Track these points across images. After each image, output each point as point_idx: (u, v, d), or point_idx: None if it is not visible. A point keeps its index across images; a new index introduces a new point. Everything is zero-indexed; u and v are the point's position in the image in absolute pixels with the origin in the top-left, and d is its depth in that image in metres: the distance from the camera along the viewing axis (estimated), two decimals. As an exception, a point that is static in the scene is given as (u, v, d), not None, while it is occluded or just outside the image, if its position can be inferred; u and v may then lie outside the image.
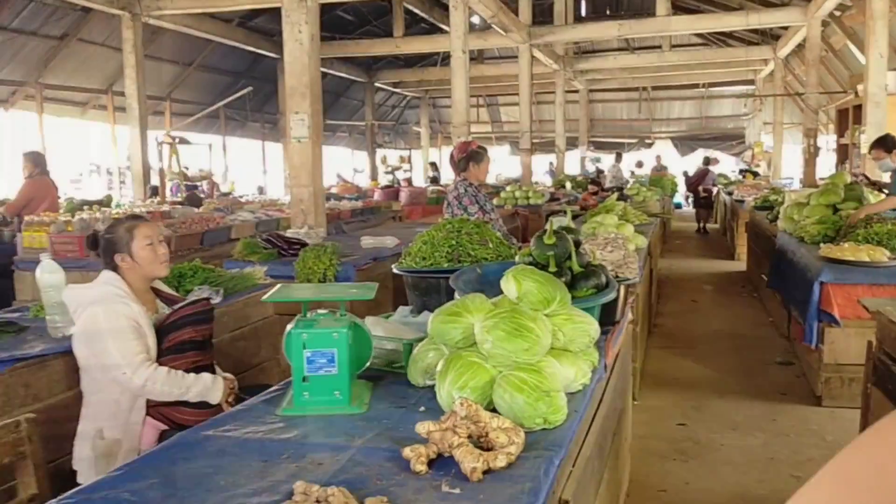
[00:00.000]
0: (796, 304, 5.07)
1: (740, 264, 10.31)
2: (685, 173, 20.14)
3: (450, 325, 1.97)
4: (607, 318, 2.73)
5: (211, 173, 11.91)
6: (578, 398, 1.96)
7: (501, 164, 28.84)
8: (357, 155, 25.14)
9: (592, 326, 2.08)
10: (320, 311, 2.03)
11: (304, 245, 5.35)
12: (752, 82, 21.80)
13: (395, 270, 3.13)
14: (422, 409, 1.90)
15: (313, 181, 6.35)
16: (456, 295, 2.36)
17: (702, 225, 16.72)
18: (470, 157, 5.03)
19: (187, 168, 11.34)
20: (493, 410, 1.76)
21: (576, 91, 22.97)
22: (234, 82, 17.65)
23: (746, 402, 4.54)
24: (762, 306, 7.45)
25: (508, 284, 2.04)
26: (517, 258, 2.51)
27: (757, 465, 3.61)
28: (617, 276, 2.82)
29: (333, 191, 13.24)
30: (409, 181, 15.73)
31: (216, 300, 3.49)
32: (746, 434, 4.01)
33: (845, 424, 4.09)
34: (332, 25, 17.14)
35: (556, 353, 1.98)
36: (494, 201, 12.41)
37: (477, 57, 22.24)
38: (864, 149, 9.40)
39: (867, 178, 6.38)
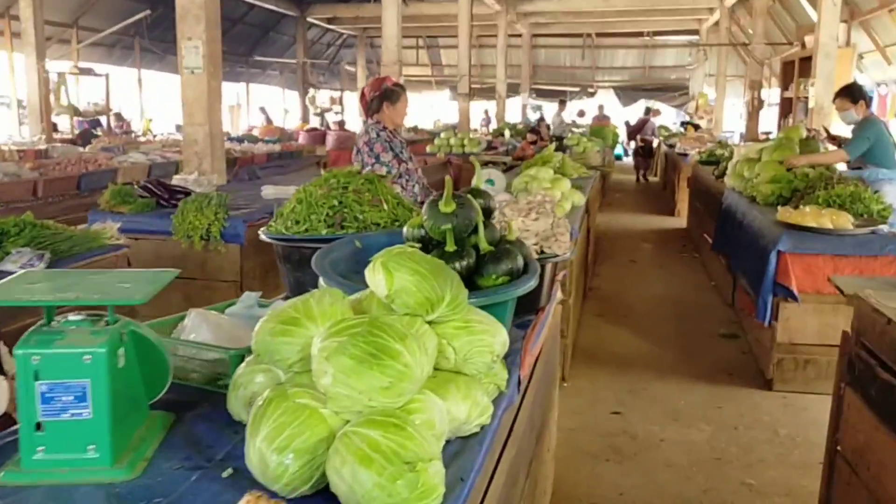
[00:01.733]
0: (747, 274, 4.56)
1: (681, 221, 9.89)
2: (627, 123, 19.75)
3: (282, 338, 1.30)
4: (528, 305, 2.11)
5: (108, 108, 10.74)
6: (471, 450, 1.32)
7: (441, 109, 27.95)
8: (289, 95, 23.87)
9: (498, 337, 1.44)
10: (72, 316, 1.31)
11: (189, 195, 4.58)
12: (696, 32, 21.32)
13: (262, 236, 2.43)
14: (228, 471, 1.22)
15: (209, 120, 5.52)
16: (321, 282, 1.68)
17: (640, 174, 16.44)
18: (384, 95, 4.29)
19: (89, 103, 10.21)
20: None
21: (519, 35, 22.16)
22: (154, 9, 16.24)
23: (688, 385, 4.03)
24: (704, 269, 6.99)
25: (375, 277, 1.37)
26: (404, 230, 1.84)
27: (702, 467, 3.08)
28: (542, 253, 2.18)
29: (255, 132, 12.28)
30: (340, 124, 14.80)
31: (37, 267, 2.73)
32: (689, 426, 3.49)
33: (799, 415, 3.61)
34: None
35: (441, 379, 1.33)
36: (427, 148, 11.69)
37: (416, -6, 21.15)
38: (813, 102, 8.99)
39: (827, 131, 5.88)
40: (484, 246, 1.75)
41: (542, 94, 25.13)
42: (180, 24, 5.44)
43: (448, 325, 1.38)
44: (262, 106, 20.51)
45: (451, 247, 1.69)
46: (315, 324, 1.30)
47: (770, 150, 5.30)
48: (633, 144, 18.04)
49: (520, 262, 1.75)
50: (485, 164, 5.05)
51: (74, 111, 9.26)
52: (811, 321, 3.77)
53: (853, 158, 5.02)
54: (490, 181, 4.92)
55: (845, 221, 3.80)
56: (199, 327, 1.68)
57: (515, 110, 22.76)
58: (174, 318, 1.80)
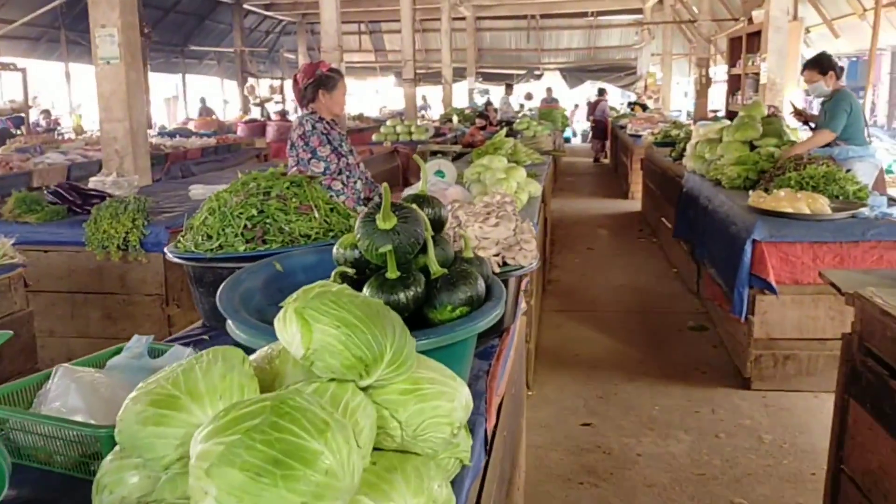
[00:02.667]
0: (716, 264, 4.29)
1: (635, 204, 9.67)
2: (589, 102, 19.73)
3: (153, 428, 0.92)
4: (490, 328, 1.75)
5: (27, 105, 10.01)
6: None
7: (387, 96, 27.42)
8: (229, 86, 23.07)
9: (459, 400, 1.08)
10: None
11: (106, 198, 4.11)
12: (640, 11, 21.20)
13: (168, 255, 2.02)
14: None
15: (130, 114, 5.01)
16: (229, 325, 1.30)
17: (595, 155, 16.52)
18: (318, 82, 3.87)
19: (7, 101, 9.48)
20: None
21: (463, 18, 21.75)
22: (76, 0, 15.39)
23: (661, 387, 3.73)
24: (664, 255, 6.75)
25: (288, 329, 0.99)
26: (334, 251, 1.46)
27: (686, 486, 2.78)
28: (505, 264, 1.83)
29: (191, 126, 11.67)
30: (281, 114, 14.21)
31: None
32: (667, 436, 3.19)
33: (782, 417, 3.34)
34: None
35: (383, 468, 0.97)
36: (374, 137, 11.24)
37: (356, -22, 20.60)
38: (765, 78, 8.82)
39: (794, 106, 5.63)
40: (435, 269, 1.38)
41: (488, 77, 24.81)
42: (93, 10, 4.91)
43: (391, 389, 1.02)
44: (202, 97, 19.74)
45: (392, 273, 1.32)
46: (201, 405, 0.92)
47: (732, 130, 5.04)
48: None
49: (480, 286, 1.39)
50: (433, 153, 4.68)
51: (-15, 108, 8.55)
52: (790, 314, 3.51)
53: (838, 133, 4.73)
54: (439, 173, 4.55)
55: (823, 205, 3.54)
56: (66, 392, 1.28)
57: (462, 95, 22.40)
58: (37, 378, 1.39)
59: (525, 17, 23.71)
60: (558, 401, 3.61)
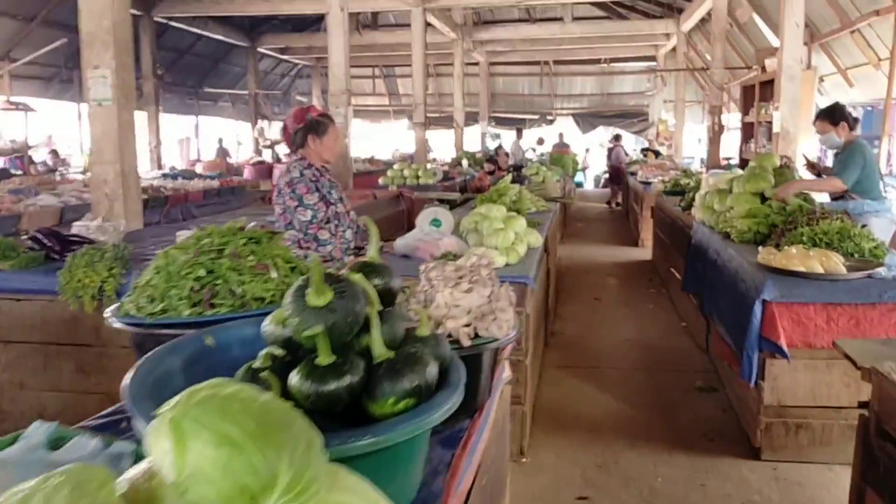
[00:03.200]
0: (724, 322, 4.06)
1: (645, 252, 9.45)
2: (587, 150, 19.65)
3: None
4: (461, 408, 1.54)
5: (27, 144, 9.97)
6: None
7: (400, 139, 27.49)
8: (243, 127, 23.22)
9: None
10: None
11: (87, 245, 3.96)
12: (653, 58, 21.24)
13: (107, 320, 1.83)
14: None
15: (121, 157, 4.89)
16: (134, 423, 1.10)
17: (609, 201, 16.43)
18: (308, 127, 3.73)
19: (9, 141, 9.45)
20: None
21: (476, 64, 21.88)
22: (91, 42, 15.57)
23: (665, 455, 3.48)
24: (673, 307, 6.51)
25: (158, 445, 0.80)
26: (263, 326, 1.27)
27: (688, 574, 2.53)
28: (478, 336, 1.63)
29: (198, 167, 11.62)
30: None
31: None
32: (670, 514, 2.94)
33: (794, 493, 3.08)
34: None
35: None
36: (381, 180, 11.14)
37: (371, 23, 20.81)
38: (778, 126, 8.65)
39: (806, 158, 5.45)
40: (379, 351, 1.18)
41: (501, 122, 24.86)
42: (86, 51, 4.83)
43: (291, 520, 0.81)
44: (220, 138, 19.86)
45: (324, 358, 1.13)
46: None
47: (742, 181, 4.85)
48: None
49: (431, 372, 1.19)
50: (432, 201, 4.49)
51: (-15, 149, 8.50)
52: (802, 379, 3.27)
53: (850, 186, 4.55)
54: (435, 221, 4.38)
55: (836, 264, 3.32)
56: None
57: (475, 139, 22.41)
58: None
59: (538, 63, 23.84)
60: (554, 468, 3.36)
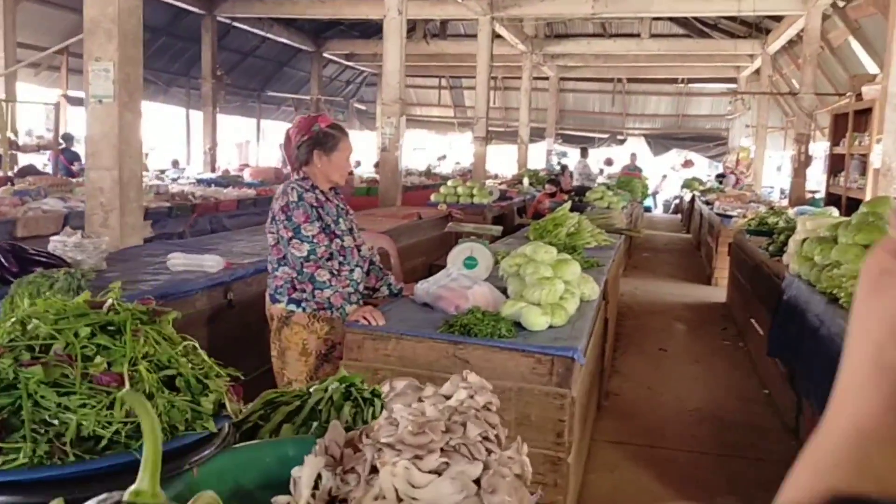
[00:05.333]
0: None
1: (719, 292, 8.47)
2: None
3: None
4: None
5: (56, 141, 9.55)
6: None
7: (465, 153, 26.81)
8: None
9: None
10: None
11: (60, 266, 3.35)
12: (734, 80, 20.05)
13: None
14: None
15: (120, 162, 4.29)
16: None
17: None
18: (314, 141, 3.02)
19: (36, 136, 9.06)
20: None
21: (545, 78, 21.08)
22: (153, 39, 15.39)
23: None
24: (751, 366, 5.58)
25: None
26: None
27: None
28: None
29: (246, 173, 11.13)
30: (346, 166, 13.63)
31: None
32: None
33: None
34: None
35: None
36: (432, 197, 10.41)
37: (439, 32, 20.25)
38: (879, 161, 7.62)
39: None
40: None
41: (568, 139, 23.96)
42: (87, 41, 4.26)
43: None
44: (280, 143, 19.51)
45: None
46: None
47: (852, 231, 3.93)
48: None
49: None
50: (459, 234, 3.71)
51: (11, 144, 8.09)
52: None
53: None
54: (470, 261, 3.61)
55: None
56: None
57: (540, 156, 21.58)
58: None
59: (611, 80, 22.88)
60: None
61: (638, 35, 17.56)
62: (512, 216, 11.27)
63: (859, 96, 10.36)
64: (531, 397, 2.59)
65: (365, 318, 2.77)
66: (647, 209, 20.27)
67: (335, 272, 2.95)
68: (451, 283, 3.11)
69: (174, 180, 11.17)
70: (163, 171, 13.41)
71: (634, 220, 12.88)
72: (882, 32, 10.57)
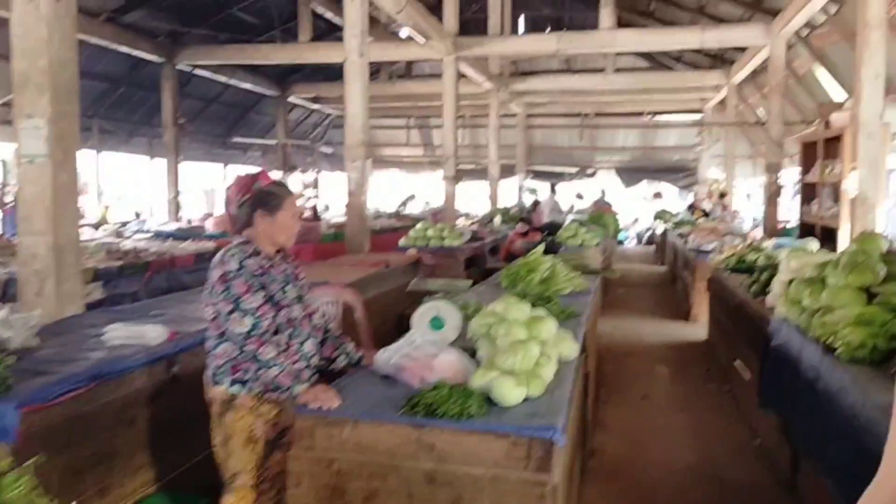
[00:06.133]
0: (834, 473, 2.90)
1: (698, 330, 8.25)
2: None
3: None
4: None
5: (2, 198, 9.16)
6: None
7: (437, 191, 26.58)
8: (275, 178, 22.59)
9: None
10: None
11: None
12: (700, 111, 20.18)
13: None
14: None
15: (55, 227, 3.96)
16: None
17: None
18: (256, 201, 2.74)
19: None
20: None
21: (513, 115, 21.07)
22: (113, 89, 15.10)
23: None
24: (739, 411, 5.32)
25: None
26: None
27: None
28: None
29: (209, 223, 10.78)
30: (314, 211, 13.34)
31: None
32: None
33: None
34: (231, 27, 14.78)
35: None
36: (401, 241, 10.10)
37: (405, 73, 20.21)
38: (854, 191, 7.50)
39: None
40: None
41: (539, 175, 23.95)
42: (17, 96, 3.94)
43: None
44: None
45: None
46: None
47: (843, 272, 3.70)
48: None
49: None
50: (419, 294, 3.39)
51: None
52: None
53: None
54: (436, 322, 3.31)
55: None
56: None
57: (512, 192, 21.47)
58: None
59: (578, 115, 22.96)
60: None
61: (603, 70, 17.61)
62: (484, 258, 11.01)
63: (828, 124, 10.33)
64: (507, 486, 2.28)
65: (315, 401, 2.45)
66: (621, 242, 20.18)
67: (283, 347, 2.64)
68: (414, 351, 2.80)
69: (135, 233, 10.80)
70: (124, 224, 12.99)
71: (609, 256, 12.69)
72: (847, 60, 10.59)
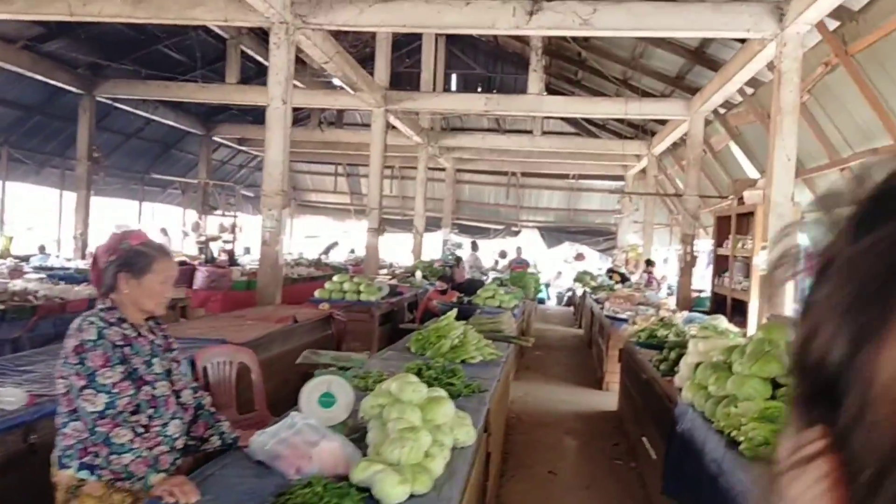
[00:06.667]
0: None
1: (610, 399, 8.19)
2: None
3: None
4: None
5: None
6: None
7: (359, 239, 26.31)
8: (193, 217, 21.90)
9: None
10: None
11: None
12: (622, 178, 20.71)
13: None
14: None
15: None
16: None
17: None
18: (123, 262, 2.47)
19: None
20: None
21: (442, 169, 21.13)
22: (27, 117, 14.41)
23: None
24: (644, 493, 5.20)
25: None
26: None
27: None
28: None
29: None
30: (230, 256, 12.87)
31: None
32: None
33: None
34: (156, 64, 14.38)
35: None
36: (316, 293, 9.75)
37: (336, 121, 20.09)
38: (763, 269, 7.65)
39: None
40: None
41: (465, 229, 24.04)
42: None
43: None
44: (163, 227, 18.50)
45: None
46: None
47: (748, 360, 3.65)
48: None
49: None
50: (326, 366, 3.15)
51: None
52: None
53: None
54: (326, 398, 3.07)
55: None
56: None
57: (437, 246, 21.37)
58: None
59: (506, 173, 23.23)
60: None
61: (531, 132, 17.90)
62: (402, 313, 10.79)
63: (741, 200, 10.64)
64: None
65: (171, 495, 2.17)
66: (541, 301, 20.26)
67: (141, 429, 2.35)
68: (293, 436, 2.55)
69: (35, 269, 10.16)
70: (26, 258, 12.25)
71: (528, 318, 12.65)
72: (760, 139, 11.01)
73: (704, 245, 15.31)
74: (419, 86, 15.21)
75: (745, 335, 8.24)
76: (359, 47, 16.05)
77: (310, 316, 7.14)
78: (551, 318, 17.31)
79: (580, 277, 17.02)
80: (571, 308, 19.19)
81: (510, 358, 6.08)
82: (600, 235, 23.15)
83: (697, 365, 4.19)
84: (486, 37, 19.89)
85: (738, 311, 10.11)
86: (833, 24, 7.51)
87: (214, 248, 12.48)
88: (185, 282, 9.69)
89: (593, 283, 15.05)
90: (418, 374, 3.92)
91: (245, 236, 16.00)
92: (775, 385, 3.59)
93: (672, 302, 12.08)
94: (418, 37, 16.32)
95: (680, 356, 4.87)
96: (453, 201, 22.98)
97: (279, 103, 8.25)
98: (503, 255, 20.22)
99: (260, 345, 5.61)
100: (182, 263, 10.84)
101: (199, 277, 9.90)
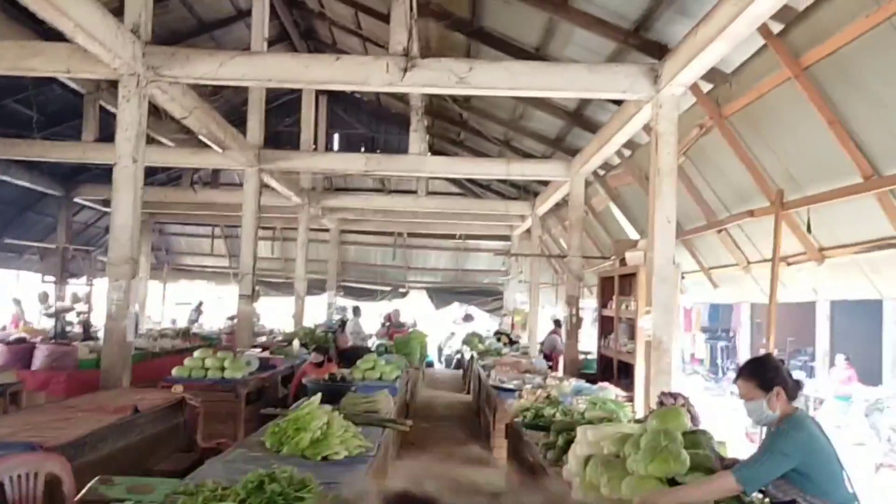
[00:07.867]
0: None
1: (499, 477, 7.60)
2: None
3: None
4: None
5: None
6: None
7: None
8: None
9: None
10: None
11: None
12: (507, 238, 20.67)
13: None
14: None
15: None
16: None
17: None
18: None
19: None
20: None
21: (327, 230, 20.43)
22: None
23: None
24: None
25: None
26: None
27: None
28: None
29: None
30: (85, 328, 11.61)
31: None
32: None
33: None
34: (6, 121, 13.12)
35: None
36: (173, 371, 8.69)
37: (211, 180, 19.12)
38: (648, 335, 7.37)
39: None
40: None
41: (351, 292, 23.30)
42: None
43: None
44: (15, 297, 16.80)
45: None
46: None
47: (644, 458, 3.18)
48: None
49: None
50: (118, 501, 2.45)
51: None
52: None
53: (751, 492, 2.98)
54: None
55: None
56: None
57: (322, 310, 20.48)
58: None
59: (392, 234, 22.78)
60: None
61: (415, 192, 17.58)
62: (274, 389, 9.92)
63: (623, 261, 10.54)
64: None
65: None
66: (430, 364, 19.69)
67: None
68: None
69: None
70: None
71: (412, 387, 12.02)
72: (638, 200, 11.03)
73: (590, 303, 15.25)
74: (300, 145, 14.63)
75: (631, 399, 7.98)
76: (238, 105, 15.36)
77: (156, 403, 6.23)
78: (439, 384, 16.72)
79: (468, 340, 16.61)
80: (461, 371, 18.70)
81: (384, 447, 5.43)
82: (489, 295, 22.96)
83: (587, 459, 3.70)
84: (368, 96, 19.65)
85: (624, 374, 9.88)
86: (707, 87, 7.51)
87: (73, 319, 11.22)
88: (21, 362, 8.51)
89: (481, 347, 14.62)
90: (259, 487, 3.24)
91: (103, 306, 14.65)
92: (673, 484, 3.12)
93: (560, 366, 11.81)
94: (298, 94, 15.82)
95: (569, 441, 4.38)
96: (338, 263, 22.22)
97: (128, 161, 7.48)
98: (389, 318, 19.59)
99: (84, 445, 4.74)
100: (19, 341, 9.60)
101: (39, 356, 8.72)
